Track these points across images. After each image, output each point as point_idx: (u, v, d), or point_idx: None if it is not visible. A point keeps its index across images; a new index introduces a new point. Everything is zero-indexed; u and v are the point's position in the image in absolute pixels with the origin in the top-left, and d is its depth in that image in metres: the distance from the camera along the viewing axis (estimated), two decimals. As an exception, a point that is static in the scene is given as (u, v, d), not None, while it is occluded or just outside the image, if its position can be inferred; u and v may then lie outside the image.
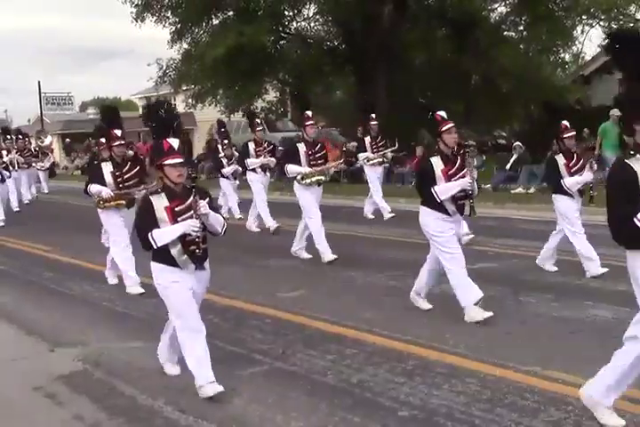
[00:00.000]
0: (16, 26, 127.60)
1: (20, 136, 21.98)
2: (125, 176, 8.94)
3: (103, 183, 8.93)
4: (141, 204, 5.59)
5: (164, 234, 5.35)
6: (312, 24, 28.56)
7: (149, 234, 5.33)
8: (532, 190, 18.13)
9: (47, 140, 27.78)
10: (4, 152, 18.42)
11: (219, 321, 7.55)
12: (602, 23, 23.83)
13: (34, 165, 22.28)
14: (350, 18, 25.17)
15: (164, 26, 27.02)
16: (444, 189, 7.02)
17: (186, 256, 5.43)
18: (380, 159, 14.78)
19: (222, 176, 15.53)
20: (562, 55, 27.74)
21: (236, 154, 15.30)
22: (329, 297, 8.41)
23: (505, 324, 6.98)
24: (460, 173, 7.11)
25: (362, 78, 25.87)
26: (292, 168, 10.38)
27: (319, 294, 8.56)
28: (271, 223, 13.36)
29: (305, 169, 10.32)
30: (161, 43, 27.89)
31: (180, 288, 5.45)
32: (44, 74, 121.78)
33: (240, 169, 14.90)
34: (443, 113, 7.27)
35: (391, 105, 23.98)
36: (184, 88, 28.89)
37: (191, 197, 5.37)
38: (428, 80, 26.13)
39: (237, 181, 15.77)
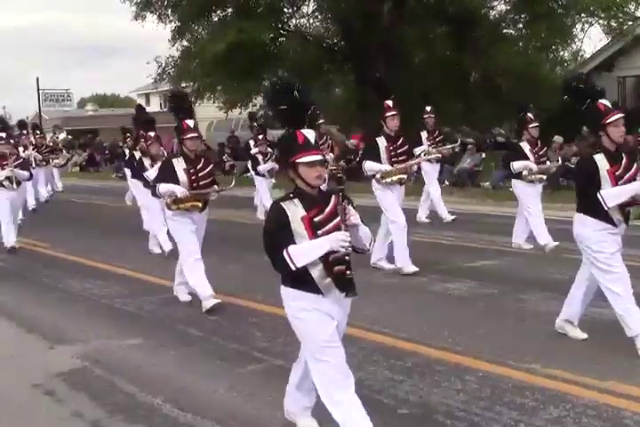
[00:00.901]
0: (15, 23, 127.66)
1: (38, 131, 20.61)
2: (200, 174, 7.87)
3: (176, 182, 7.78)
4: (272, 213, 4.34)
5: (304, 252, 4.18)
6: (311, 21, 28.52)
7: (285, 252, 4.14)
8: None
9: (62, 136, 26.92)
10: (22, 148, 17.60)
11: (218, 318, 7.56)
12: (601, 21, 23.78)
13: (51, 161, 20.86)
14: (349, 15, 25.13)
15: (164, 24, 27.01)
16: (614, 195, 5.83)
17: (329, 279, 4.38)
18: (439, 155, 13.61)
19: (257, 174, 15.11)
20: (561, 53, 27.71)
21: (270, 150, 15.06)
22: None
23: (505, 321, 6.99)
24: (628, 175, 5.95)
25: (361, 76, 25.85)
26: (370, 165, 9.27)
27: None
28: None
29: (385, 167, 9.17)
30: (160, 39, 27.92)
31: (320, 320, 4.36)
32: (42, 70, 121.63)
33: (277, 166, 14.12)
34: (606, 101, 6.06)
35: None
36: (183, 85, 28.85)
37: (334, 203, 4.29)
38: (428, 78, 26.09)
39: (273, 179, 15.29)
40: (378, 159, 9.23)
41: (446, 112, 26.46)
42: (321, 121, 16.08)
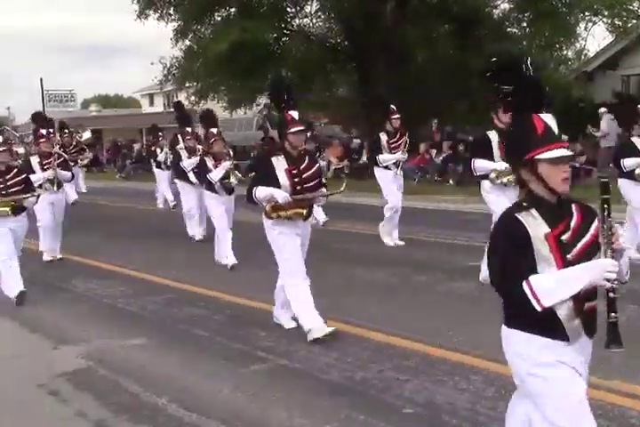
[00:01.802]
0: (18, 24, 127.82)
1: (65, 130, 19.13)
2: (304, 175, 6.50)
3: (276, 185, 6.44)
4: (506, 227, 3.27)
5: (553, 287, 3.11)
6: (314, 21, 28.53)
7: (526, 285, 3.09)
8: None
9: (86, 135, 26.11)
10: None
11: (222, 318, 7.56)
12: (605, 20, 23.73)
13: (79, 162, 19.52)
14: (352, 15, 25.14)
15: (167, 23, 27.04)
16: None
17: (578, 321, 3.27)
18: None
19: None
20: (565, 52, 27.68)
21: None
22: (332, 294, 8.39)
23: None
24: None
25: (364, 75, 25.84)
26: (481, 164, 8.09)
27: (322, 292, 8.53)
28: None
29: (500, 165, 7.84)
30: (164, 40, 28.03)
31: (571, 378, 3.30)
32: (46, 71, 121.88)
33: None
34: None
35: (393, 102, 23.90)
36: (187, 85, 28.88)
37: (579, 215, 3.31)
38: (431, 77, 26.07)
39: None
40: (490, 156, 7.99)
41: (449, 112, 26.48)
42: (324, 121, 15.99)
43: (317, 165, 6.75)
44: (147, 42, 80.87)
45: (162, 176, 17.96)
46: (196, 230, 12.76)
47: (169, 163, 17.11)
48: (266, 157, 6.79)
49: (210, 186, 10.20)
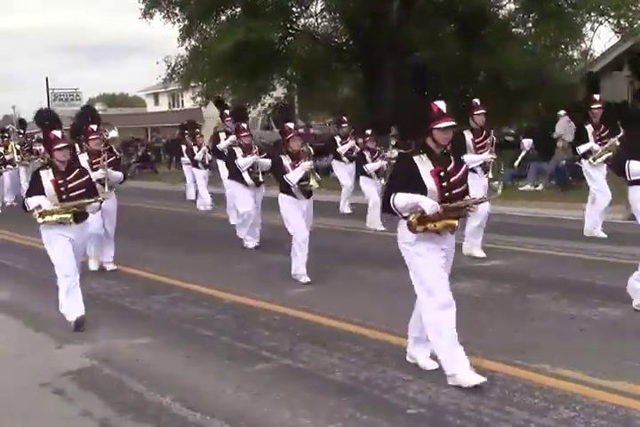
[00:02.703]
0: (24, 22, 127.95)
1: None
2: (452, 179, 5.39)
3: (422, 190, 5.26)
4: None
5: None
6: (319, 21, 28.53)
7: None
8: (540, 187, 18.10)
9: (112, 133, 25.72)
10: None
11: (226, 318, 7.56)
12: (611, 20, 23.69)
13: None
14: (358, 14, 25.13)
15: (173, 23, 27.06)
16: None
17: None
18: (609, 154, 10.98)
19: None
20: (570, 52, 27.64)
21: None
22: (338, 294, 8.40)
23: (513, 321, 6.96)
24: None
25: (369, 75, 25.83)
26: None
27: (328, 291, 8.55)
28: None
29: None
30: (170, 39, 27.99)
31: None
32: (51, 70, 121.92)
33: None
34: None
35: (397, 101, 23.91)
36: (192, 85, 28.90)
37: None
38: (436, 76, 26.08)
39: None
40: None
41: (454, 111, 26.45)
42: (328, 120, 16.27)
43: (465, 166, 5.62)
44: (153, 41, 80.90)
45: (200, 176, 17.26)
46: (250, 236, 11.72)
47: (207, 162, 16.80)
48: (407, 157, 5.50)
49: (287, 187, 9.02)
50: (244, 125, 11.66)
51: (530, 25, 26.38)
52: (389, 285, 8.81)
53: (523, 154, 19.50)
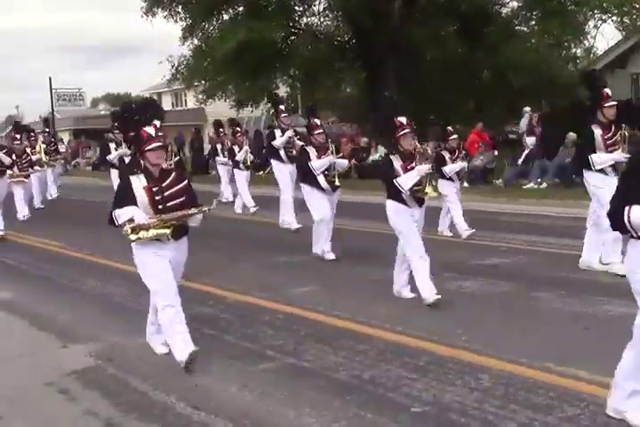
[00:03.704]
0: (28, 22, 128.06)
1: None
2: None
3: None
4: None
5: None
6: (322, 20, 28.57)
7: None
8: (543, 185, 18.09)
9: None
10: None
11: (231, 317, 7.56)
12: (614, 18, 23.69)
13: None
14: (360, 13, 25.14)
15: (175, 21, 27.09)
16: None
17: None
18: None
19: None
20: (573, 50, 27.65)
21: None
22: (342, 293, 8.40)
23: (518, 320, 6.96)
24: None
25: (372, 74, 25.84)
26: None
27: (332, 290, 8.55)
28: None
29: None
30: (173, 39, 28.05)
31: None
32: (55, 70, 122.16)
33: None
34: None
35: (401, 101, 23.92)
36: (195, 84, 28.95)
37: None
38: (439, 75, 26.06)
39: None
40: None
41: (458, 110, 26.46)
42: (331, 119, 15.77)
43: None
44: (156, 41, 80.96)
45: (241, 177, 16.16)
46: (326, 246, 10.33)
47: (249, 162, 16.19)
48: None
49: (396, 193, 7.60)
50: (317, 121, 10.48)
51: (532, 23, 26.43)
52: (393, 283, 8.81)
53: (526, 152, 19.57)
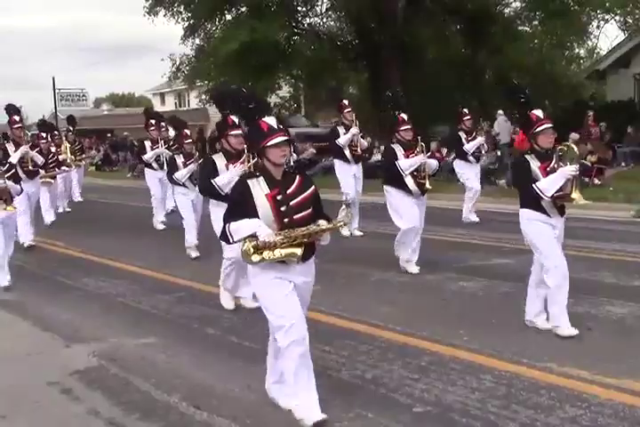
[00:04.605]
0: (30, 22, 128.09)
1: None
2: None
3: None
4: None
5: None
6: (325, 20, 28.58)
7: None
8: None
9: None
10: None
11: (233, 317, 7.57)
12: (617, 18, 23.68)
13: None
14: (363, 13, 25.15)
15: (177, 21, 27.10)
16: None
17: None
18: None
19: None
20: (576, 50, 27.65)
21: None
22: (343, 293, 8.40)
23: (520, 320, 6.95)
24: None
25: (375, 74, 25.84)
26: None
27: (334, 290, 8.55)
28: None
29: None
30: (176, 39, 28.04)
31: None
32: (58, 70, 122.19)
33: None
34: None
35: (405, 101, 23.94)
36: (197, 84, 28.95)
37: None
38: (442, 76, 26.07)
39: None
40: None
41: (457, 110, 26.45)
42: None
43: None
44: (160, 41, 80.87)
45: None
46: (414, 257, 9.41)
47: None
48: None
49: (535, 202, 6.59)
50: (404, 116, 9.18)
51: (536, 23, 26.41)
52: (395, 283, 8.82)
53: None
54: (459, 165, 13.53)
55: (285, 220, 4.69)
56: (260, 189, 4.71)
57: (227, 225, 4.72)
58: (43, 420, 5.19)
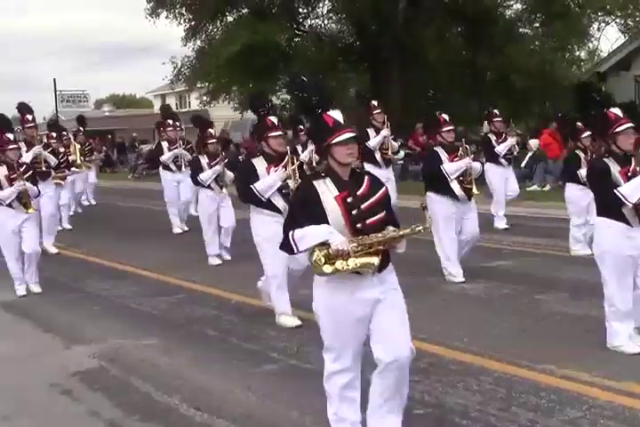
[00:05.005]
0: (32, 24, 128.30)
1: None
2: None
3: None
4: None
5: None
6: (326, 21, 28.58)
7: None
8: (547, 188, 18.08)
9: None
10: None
11: (234, 318, 7.58)
12: (618, 20, 23.70)
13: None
14: (364, 15, 25.17)
15: (179, 23, 27.12)
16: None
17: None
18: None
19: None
20: (577, 52, 27.65)
21: None
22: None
23: (520, 322, 6.96)
24: None
25: (376, 75, 25.86)
26: None
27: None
28: None
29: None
30: (177, 41, 28.02)
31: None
32: (59, 72, 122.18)
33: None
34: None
35: (405, 102, 24.00)
36: (199, 85, 28.96)
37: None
38: (443, 77, 26.08)
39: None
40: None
41: (461, 111, 26.45)
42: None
43: None
44: (162, 43, 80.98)
45: None
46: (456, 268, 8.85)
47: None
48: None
49: (613, 210, 5.84)
50: (446, 116, 8.62)
51: (536, 25, 26.41)
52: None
53: (530, 154, 19.56)
54: (490, 170, 12.43)
55: (358, 225, 4.13)
56: (328, 192, 4.15)
57: (290, 233, 4.12)
58: (44, 421, 5.20)
